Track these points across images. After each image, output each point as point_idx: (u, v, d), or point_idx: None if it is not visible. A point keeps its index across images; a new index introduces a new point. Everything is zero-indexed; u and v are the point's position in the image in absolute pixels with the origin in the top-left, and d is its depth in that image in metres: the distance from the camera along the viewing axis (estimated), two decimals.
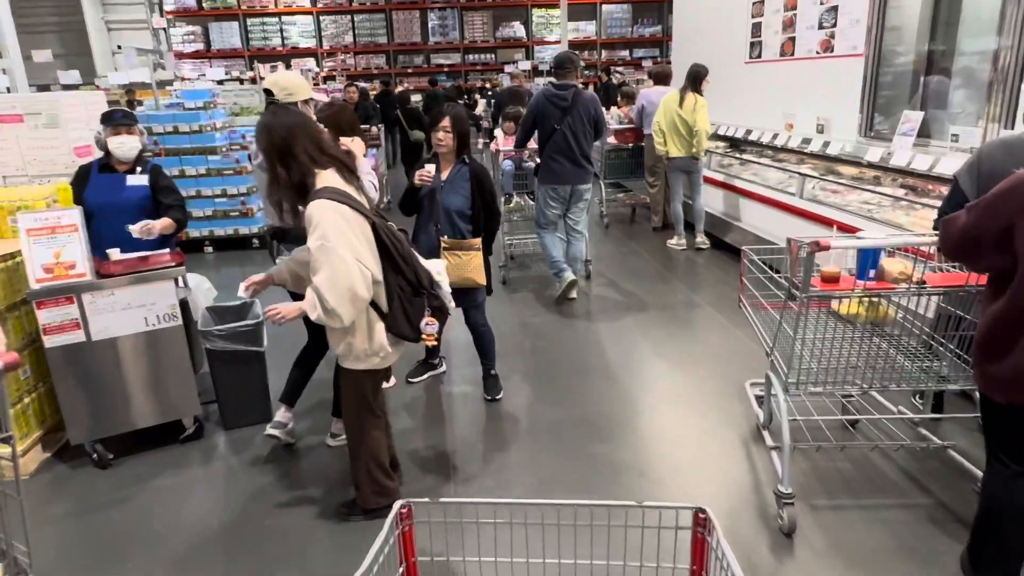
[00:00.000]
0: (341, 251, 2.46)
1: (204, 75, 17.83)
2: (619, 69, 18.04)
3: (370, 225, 2.63)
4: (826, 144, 6.01)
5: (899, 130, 5.29)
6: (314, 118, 3.25)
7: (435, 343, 3.00)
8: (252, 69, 21.98)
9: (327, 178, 2.61)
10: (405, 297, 2.70)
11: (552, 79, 5.56)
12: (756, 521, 2.92)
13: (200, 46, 21.41)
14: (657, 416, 3.90)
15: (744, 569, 1.39)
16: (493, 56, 22.39)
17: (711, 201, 7.35)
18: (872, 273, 2.61)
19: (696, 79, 6.68)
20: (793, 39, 6.69)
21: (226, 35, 21.38)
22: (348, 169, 2.69)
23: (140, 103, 9.78)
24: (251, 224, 7.52)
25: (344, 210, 2.52)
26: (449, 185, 3.80)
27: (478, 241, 3.82)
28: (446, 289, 2.86)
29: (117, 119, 3.83)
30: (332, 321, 2.52)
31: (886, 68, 5.69)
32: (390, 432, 3.17)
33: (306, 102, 3.54)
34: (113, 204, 3.75)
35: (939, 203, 2.98)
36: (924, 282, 2.56)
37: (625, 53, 22.57)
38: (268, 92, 3.56)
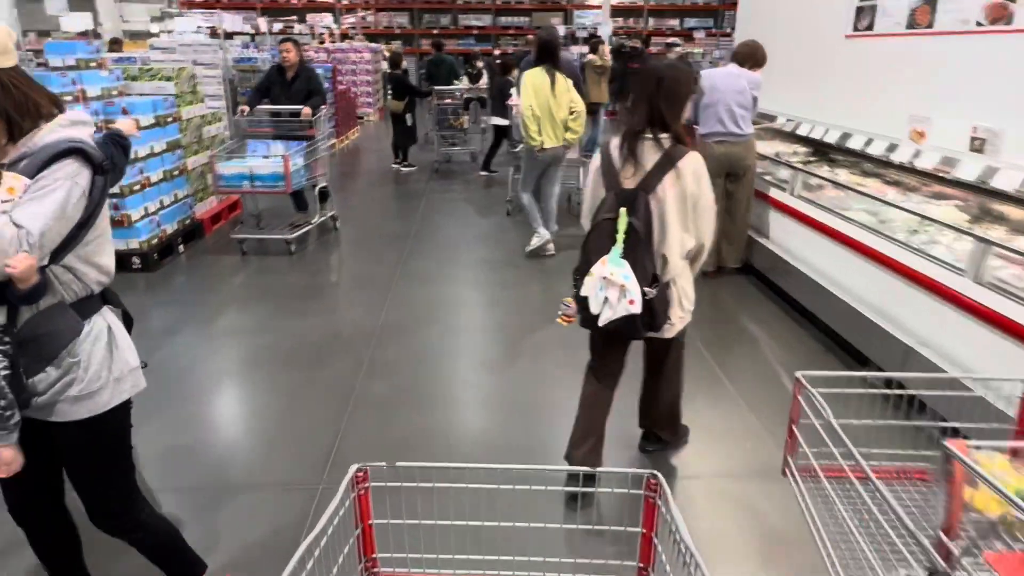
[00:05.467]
0: None
1: (200, 28, 15.61)
2: (630, 42, 15.19)
3: None
4: (990, 172, 3.59)
5: None
6: None
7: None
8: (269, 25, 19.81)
9: None
10: None
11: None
12: None
13: None
14: None
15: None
16: (528, 19, 19.75)
17: (778, 233, 4.96)
18: None
19: (556, 52, 5.24)
20: (933, 3, 4.23)
21: None
22: None
23: None
24: (129, 236, 5.17)
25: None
26: None
27: None
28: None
29: None
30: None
31: None
32: None
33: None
34: None
35: None
36: None
37: (675, 22, 19.72)
38: None
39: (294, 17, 19.47)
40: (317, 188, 6.05)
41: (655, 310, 2.37)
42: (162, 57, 9.32)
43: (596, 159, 2.55)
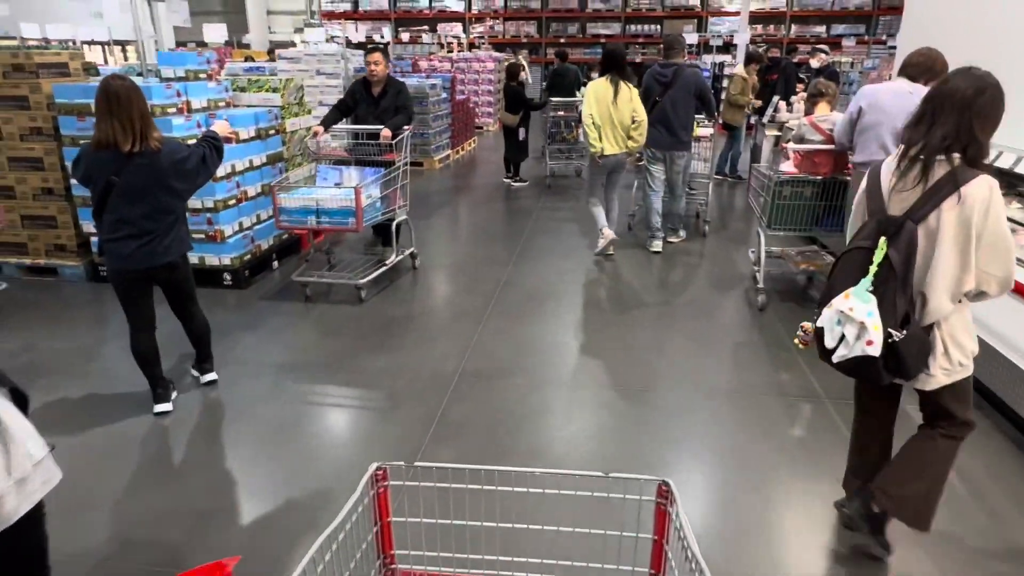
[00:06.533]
0: None
1: (337, 37, 15.98)
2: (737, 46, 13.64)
3: None
4: None
5: None
6: None
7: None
8: (397, 34, 20.18)
9: None
10: None
11: (661, 59, 5.98)
12: None
13: (348, 6, 19.75)
14: None
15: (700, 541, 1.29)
16: (659, 27, 18.80)
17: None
18: None
19: (623, 62, 5.49)
20: None
21: None
22: None
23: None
24: (222, 252, 4.96)
25: None
26: None
27: None
28: None
29: None
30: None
31: None
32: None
33: None
34: None
35: None
36: None
37: (820, 29, 18.06)
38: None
39: (425, 27, 19.66)
40: (395, 223, 5.13)
41: (902, 355, 2.03)
42: (288, 67, 9.40)
43: (864, 180, 2.26)
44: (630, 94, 5.40)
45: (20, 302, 4.77)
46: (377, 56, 5.23)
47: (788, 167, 4.48)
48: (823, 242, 5.44)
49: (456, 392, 3.57)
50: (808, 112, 4.68)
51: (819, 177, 4.44)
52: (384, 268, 5.06)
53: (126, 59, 17.13)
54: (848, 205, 4.24)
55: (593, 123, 5.38)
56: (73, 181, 4.94)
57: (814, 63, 8.55)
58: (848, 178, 4.30)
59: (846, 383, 3.74)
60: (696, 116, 6.13)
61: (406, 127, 5.11)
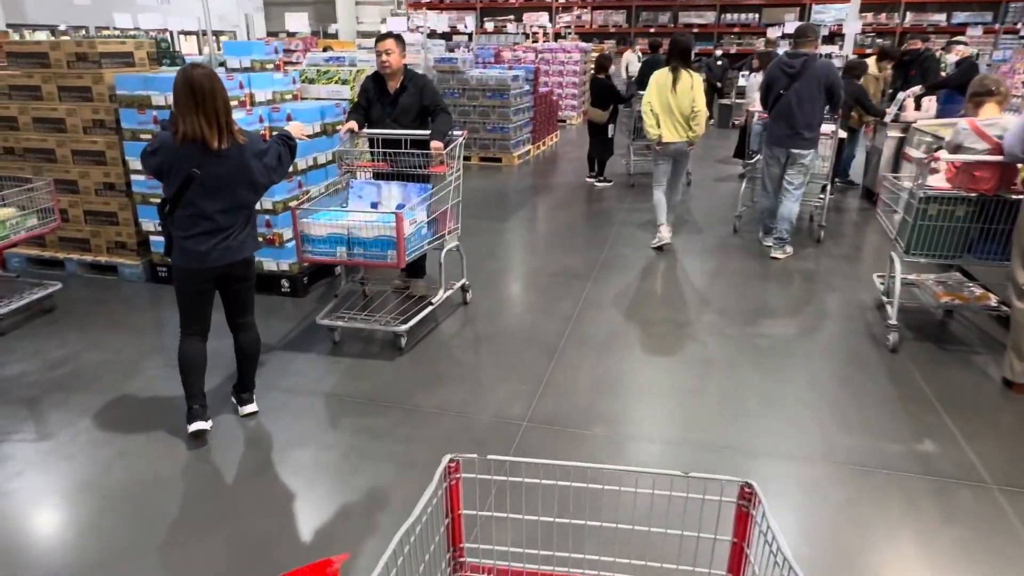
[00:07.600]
0: None
1: (420, 26, 15.63)
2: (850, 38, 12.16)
3: None
4: None
5: None
6: None
7: None
8: (482, 24, 19.72)
9: None
10: None
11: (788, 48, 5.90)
12: None
13: None
14: None
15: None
16: (756, 16, 17.54)
17: None
18: None
19: (687, 52, 5.46)
20: None
21: None
22: None
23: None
24: (280, 257, 4.59)
25: None
26: None
27: None
28: None
29: None
30: None
31: None
32: None
33: None
34: None
35: None
36: None
37: (940, 17, 16.34)
38: None
39: (511, 16, 19.12)
40: (444, 251, 4.21)
41: None
42: (368, 56, 9.06)
43: None
44: (691, 82, 5.36)
45: (75, 302, 4.54)
46: (389, 44, 4.15)
47: (937, 180, 3.65)
48: (968, 271, 4.53)
49: (523, 444, 3.01)
50: (966, 114, 3.82)
51: (975, 194, 3.60)
52: (430, 308, 4.14)
53: (219, 49, 17.46)
54: (1016, 235, 3.38)
55: (651, 110, 5.45)
56: (135, 176, 4.68)
57: (951, 56, 7.42)
58: (1017, 197, 3.44)
59: (1021, 463, 2.96)
60: None
61: (457, 134, 4.20)
